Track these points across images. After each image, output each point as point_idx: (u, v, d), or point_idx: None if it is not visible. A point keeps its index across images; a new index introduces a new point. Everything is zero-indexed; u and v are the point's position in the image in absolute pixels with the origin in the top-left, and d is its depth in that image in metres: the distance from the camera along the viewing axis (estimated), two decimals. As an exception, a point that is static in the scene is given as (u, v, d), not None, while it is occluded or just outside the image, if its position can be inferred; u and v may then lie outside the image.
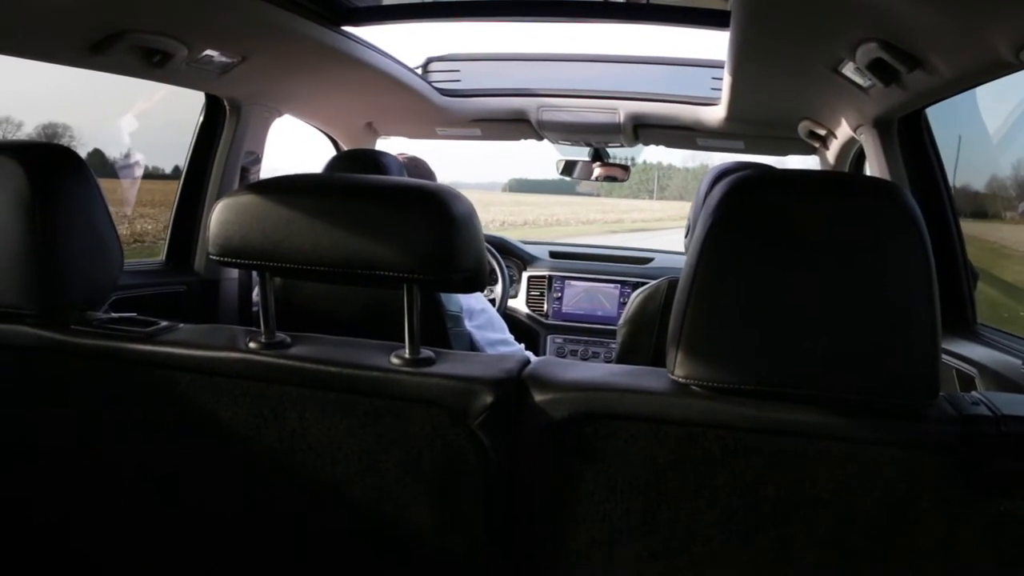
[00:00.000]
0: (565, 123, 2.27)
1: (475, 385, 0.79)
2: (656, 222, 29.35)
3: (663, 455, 0.76)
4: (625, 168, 2.53)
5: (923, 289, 0.67)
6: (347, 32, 1.62)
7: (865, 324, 0.69)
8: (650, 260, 2.67)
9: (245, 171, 1.96)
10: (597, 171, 2.53)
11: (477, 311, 1.42)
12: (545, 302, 2.62)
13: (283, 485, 0.88)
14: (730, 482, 0.75)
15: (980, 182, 1.78)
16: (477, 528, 0.83)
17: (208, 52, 1.49)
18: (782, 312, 0.70)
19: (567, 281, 2.61)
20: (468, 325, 1.35)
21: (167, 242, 1.94)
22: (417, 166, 1.81)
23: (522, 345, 1.61)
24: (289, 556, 0.91)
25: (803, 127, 1.93)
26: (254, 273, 0.86)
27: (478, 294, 1.48)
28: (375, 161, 1.49)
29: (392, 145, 2.70)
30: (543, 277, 2.63)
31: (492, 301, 2.54)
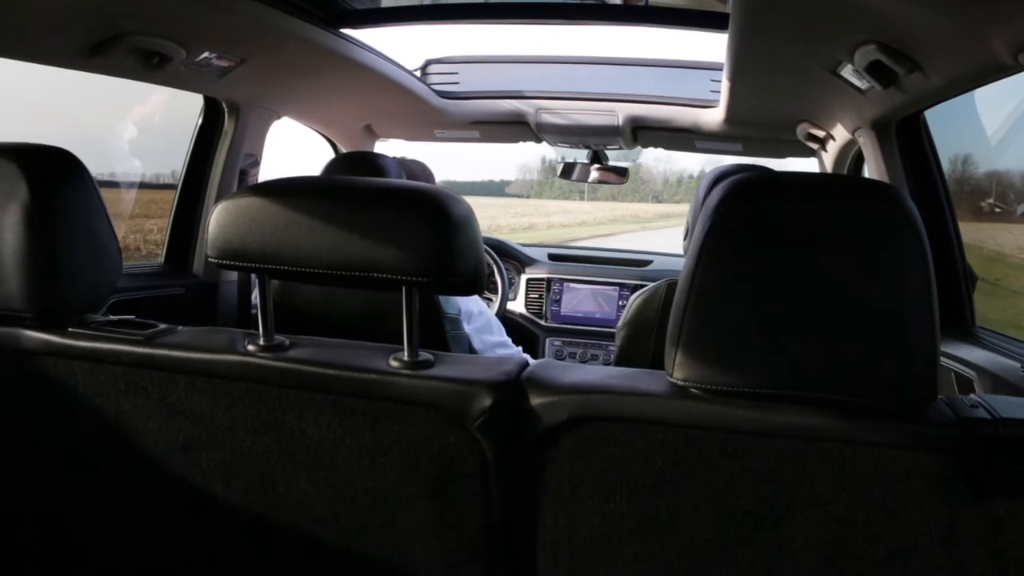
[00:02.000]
0: (563, 125, 2.27)
1: (474, 388, 0.79)
2: (578, 227, 27.06)
3: (662, 457, 0.76)
4: (623, 171, 2.53)
5: (922, 291, 0.67)
6: (345, 34, 1.62)
7: (863, 326, 0.69)
8: (649, 262, 2.67)
9: (244, 174, 1.96)
10: (594, 174, 2.53)
11: (475, 314, 1.42)
12: (544, 304, 2.61)
13: (281, 487, 0.87)
14: (729, 484, 0.75)
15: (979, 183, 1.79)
16: (475, 530, 0.83)
17: (206, 54, 1.49)
18: (781, 315, 0.70)
19: (566, 283, 2.61)
20: (466, 328, 1.35)
21: (166, 244, 1.94)
22: (423, 170, 1.81)
23: (519, 348, 1.61)
24: (288, 557, 0.91)
25: (801, 129, 1.93)
26: (253, 275, 0.86)
27: (475, 297, 1.48)
28: (373, 163, 1.49)
29: (388, 148, 2.70)
30: (542, 279, 2.63)
31: (488, 301, 2.54)
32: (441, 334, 1.26)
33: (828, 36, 1.18)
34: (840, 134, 1.76)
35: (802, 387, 0.71)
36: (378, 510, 0.85)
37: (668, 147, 2.46)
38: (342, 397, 0.83)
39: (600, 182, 2.55)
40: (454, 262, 0.78)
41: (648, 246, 3.06)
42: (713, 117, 2.05)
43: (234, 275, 1.99)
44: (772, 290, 0.70)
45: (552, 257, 2.73)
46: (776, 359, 0.71)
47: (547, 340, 2.60)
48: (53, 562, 1.00)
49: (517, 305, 2.64)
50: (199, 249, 1.92)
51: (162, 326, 0.93)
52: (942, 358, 1.28)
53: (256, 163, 2.01)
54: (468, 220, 0.81)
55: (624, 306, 1.92)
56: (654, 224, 29.74)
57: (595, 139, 2.39)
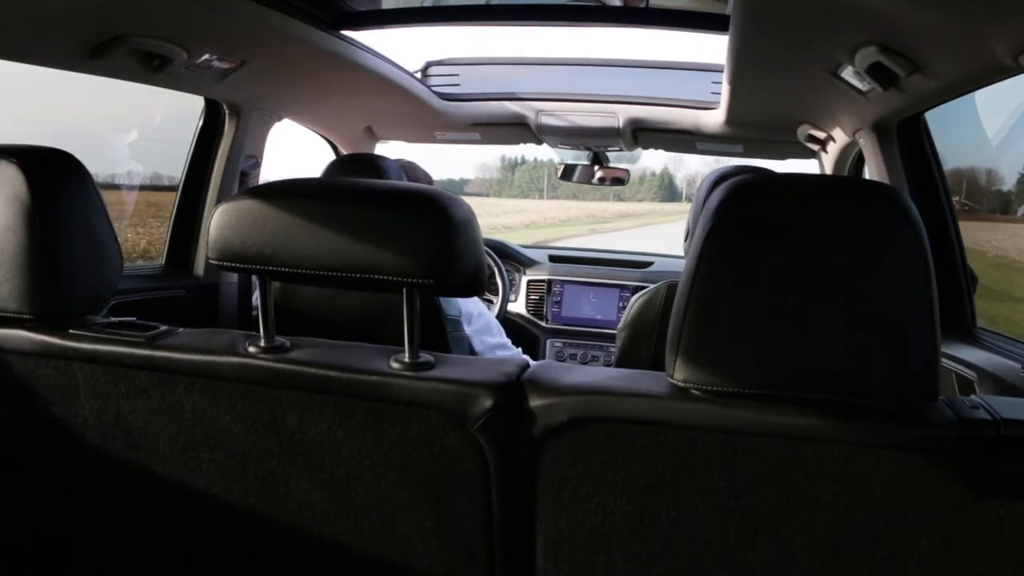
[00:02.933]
0: (564, 127, 2.27)
1: (474, 389, 0.79)
2: (525, 229, 25.08)
3: (662, 458, 0.76)
4: (623, 173, 2.53)
5: (922, 292, 0.67)
6: (346, 36, 1.62)
7: (864, 327, 0.69)
8: (650, 264, 2.67)
9: (244, 175, 1.97)
10: (596, 176, 2.52)
11: (475, 315, 1.42)
12: (544, 306, 2.62)
13: (282, 488, 0.87)
14: (729, 485, 0.74)
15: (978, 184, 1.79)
16: (476, 531, 0.83)
17: (207, 56, 1.49)
18: (781, 316, 0.70)
19: (566, 285, 2.61)
20: (467, 329, 1.35)
21: (167, 246, 1.94)
22: (420, 175, 1.81)
23: (519, 349, 1.61)
24: (288, 558, 0.91)
25: (802, 131, 1.93)
26: (254, 277, 0.86)
27: (476, 298, 1.48)
28: (374, 165, 1.49)
29: (387, 150, 2.71)
30: (542, 281, 2.63)
31: (489, 303, 2.54)
32: (442, 336, 1.26)
33: (828, 38, 1.18)
34: (840, 136, 1.76)
35: (802, 388, 0.71)
36: (378, 511, 0.85)
37: (669, 148, 2.46)
38: (343, 398, 0.83)
39: (599, 182, 2.55)
40: (455, 264, 0.78)
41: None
42: (714, 119, 2.05)
43: (234, 277, 1.99)
44: (773, 291, 0.70)
45: (553, 258, 2.74)
46: (776, 360, 0.71)
47: (548, 341, 2.60)
48: (53, 564, 1.00)
49: (518, 306, 2.64)
50: (200, 251, 1.92)
51: (163, 328, 0.93)
52: (943, 359, 1.27)
53: (257, 165, 2.01)
54: (469, 222, 0.81)
55: (625, 308, 1.92)
56: (607, 226, 28.52)
57: (596, 141, 2.39)
